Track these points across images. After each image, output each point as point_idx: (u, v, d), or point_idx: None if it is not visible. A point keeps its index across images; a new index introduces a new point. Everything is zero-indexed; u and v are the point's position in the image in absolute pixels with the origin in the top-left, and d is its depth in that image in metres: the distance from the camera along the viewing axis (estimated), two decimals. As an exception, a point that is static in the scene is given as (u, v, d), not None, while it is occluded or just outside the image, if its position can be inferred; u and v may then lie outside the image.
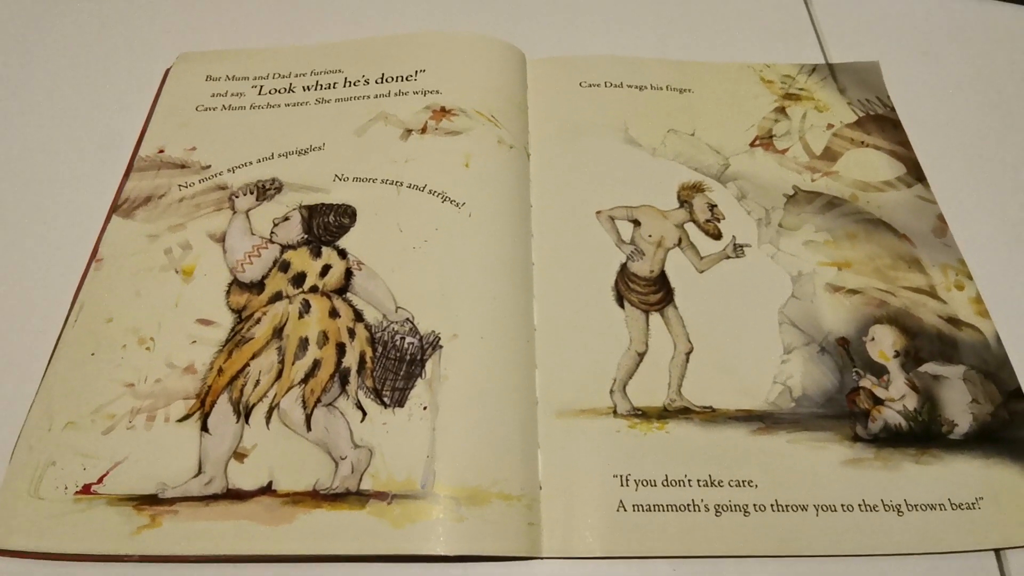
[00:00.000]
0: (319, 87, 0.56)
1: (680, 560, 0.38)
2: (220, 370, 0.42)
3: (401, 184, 0.49)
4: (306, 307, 0.44)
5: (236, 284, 0.45)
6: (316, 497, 0.38)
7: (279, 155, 0.51)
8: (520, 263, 0.47)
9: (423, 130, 0.52)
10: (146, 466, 0.39)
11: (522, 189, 0.50)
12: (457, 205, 0.48)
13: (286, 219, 0.48)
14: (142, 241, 0.47)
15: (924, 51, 0.62)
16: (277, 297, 0.44)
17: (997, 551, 0.39)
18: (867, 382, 0.43)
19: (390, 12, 0.63)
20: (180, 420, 0.40)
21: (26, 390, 0.42)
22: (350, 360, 0.42)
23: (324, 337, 0.43)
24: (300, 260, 0.46)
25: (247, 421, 0.40)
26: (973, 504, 0.39)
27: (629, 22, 0.63)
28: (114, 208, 0.49)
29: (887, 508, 0.39)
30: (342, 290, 0.45)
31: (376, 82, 0.55)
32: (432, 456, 0.38)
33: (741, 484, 0.40)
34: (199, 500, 0.38)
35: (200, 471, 0.39)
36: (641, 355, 0.44)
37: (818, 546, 0.38)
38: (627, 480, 0.40)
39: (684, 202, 0.51)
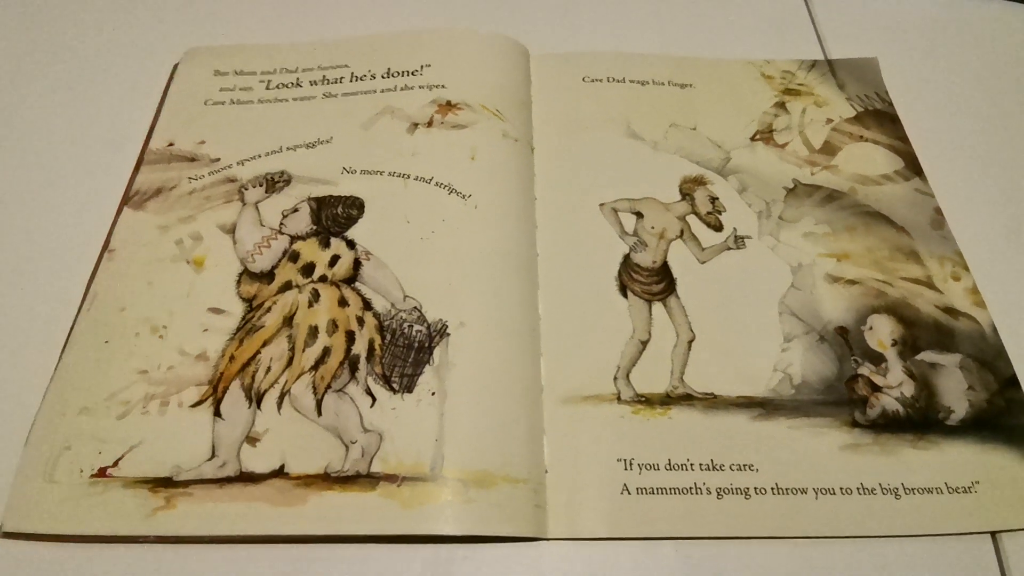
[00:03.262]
0: (326, 82, 0.56)
1: (683, 541, 0.39)
2: (232, 357, 0.42)
3: (408, 177, 0.50)
4: (315, 296, 0.44)
5: (246, 274, 0.46)
6: (327, 480, 0.38)
7: (287, 148, 0.52)
8: (525, 254, 0.48)
9: (429, 124, 0.53)
10: (160, 450, 0.39)
11: (526, 182, 0.51)
12: (463, 197, 0.48)
13: (295, 211, 0.48)
14: (153, 232, 0.48)
15: (922, 47, 0.63)
16: (287, 287, 0.45)
17: (993, 534, 0.40)
18: (865, 370, 0.44)
19: (395, 8, 0.64)
20: (193, 406, 0.41)
21: (40, 377, 0.42)
22: (359, 347, 0.43)
23: (334, 325, 0.43)
24: (309, 251, 0.46)
25: (259, 407, 0.41)
26: (969, 488, 0.40)
27: (631, 18, 0.64)
28: (125, 200, 0.50)
29: (885, 492, 0.40)
30: (351, 280, 0.45)
31: (382, 77, 0.56)
32: (440, 440, 0.39)
33: (742, 468, 0.40)
34: (213, 483, 0.38)
35: (214, 455, 0.39)
36: (644, 343, 0.45)
37: (817, 528, 0.39)
38: (631, 464, 0.40)
39: (686, 195, 0.52)
